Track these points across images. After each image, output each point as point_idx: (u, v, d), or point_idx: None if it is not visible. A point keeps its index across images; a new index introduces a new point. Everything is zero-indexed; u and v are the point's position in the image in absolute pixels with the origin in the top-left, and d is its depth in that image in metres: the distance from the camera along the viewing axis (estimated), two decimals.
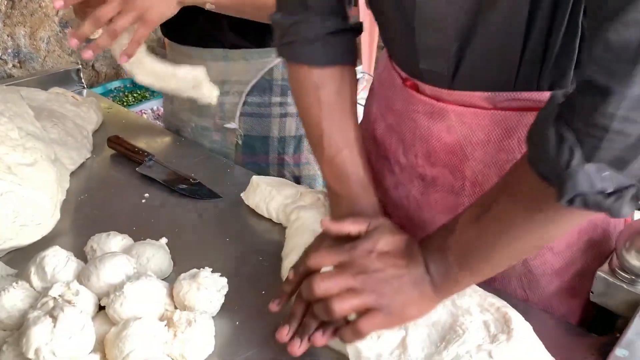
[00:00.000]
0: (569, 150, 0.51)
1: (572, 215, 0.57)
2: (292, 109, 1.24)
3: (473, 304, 0.69)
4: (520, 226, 0.60)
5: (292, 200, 0.94)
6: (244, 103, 1.22)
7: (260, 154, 1.27)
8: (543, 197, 0.55)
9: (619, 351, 0.64)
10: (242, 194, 1.00)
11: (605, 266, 0.75)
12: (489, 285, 0.78)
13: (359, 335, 0.65)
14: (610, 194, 0.51)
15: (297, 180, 1.28)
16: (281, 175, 1.24)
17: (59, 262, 0.75)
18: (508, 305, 0.70)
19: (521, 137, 0.71)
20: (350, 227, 0.71)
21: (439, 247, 0.66)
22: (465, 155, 0.75)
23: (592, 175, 0.50)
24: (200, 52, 1.20)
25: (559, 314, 0.81)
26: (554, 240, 0.70)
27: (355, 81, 0.84)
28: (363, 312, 0.65)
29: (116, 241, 0.82)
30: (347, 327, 0.66)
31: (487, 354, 0.62)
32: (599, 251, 0.81)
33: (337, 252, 0.68)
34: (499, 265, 0.65)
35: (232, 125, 1.24)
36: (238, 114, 1.23)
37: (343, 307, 0.64)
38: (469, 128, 0.73)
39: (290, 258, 0.80)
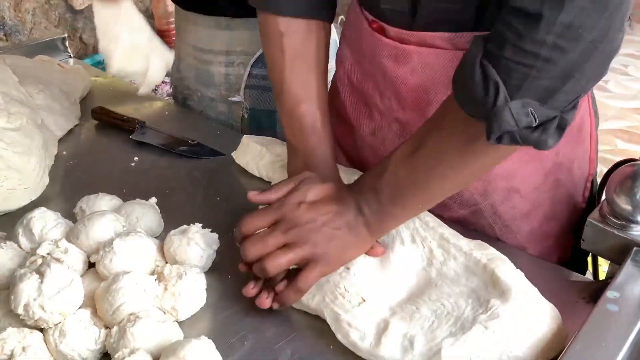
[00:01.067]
0: (494, 89, 0.51)
1: (500, 149, 0.59)
2: None
3: (459, 270, 0.68)
4: (452, 160, 0.61)
5: (281, 158, 0.93)
6: (249, 75, 1.18)
7: (267, 129, 1.21)
8: (473, 132, 0.57)
9: (610, 293, 0.64)
10: (232, 153, 0.99)
11: (596, 213, 0.75)
12: (465, 228, 0.80)
13: (300, 292, 0.66)
14: (535, 128, 0.52)
15: None
16: None
17: (46, 222, 0.74)
18: (495, 254, 0.69)
19: None
20: (275, 194, 0.69)
21: (371, 187, 0.66)
22: (429, 99, 0.76)
23: (517, 112, 0.51)
24: (205, 19, 1.18)
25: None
26: (484, 173, 0.71)
27: (326, 37, 0.81)
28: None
29: (105, 201, 0.82)
30: (287, 289, 0.66)
31: (483, 327, 0.60)
32: (565, 192, 0.83)
33: (267, 212, 0.67)
34: (432, 199, 0.67)
35: (237, 98, 1.21)
36: (243, 86, 1.19)
37: (276, 264, 0.65)
38: (432, 70, 0.74)
39: None
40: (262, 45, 0.83)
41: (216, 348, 0.60)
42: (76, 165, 1.02)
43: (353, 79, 0.88)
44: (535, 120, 0.52)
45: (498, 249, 0.71)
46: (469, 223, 0.84)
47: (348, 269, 0.69)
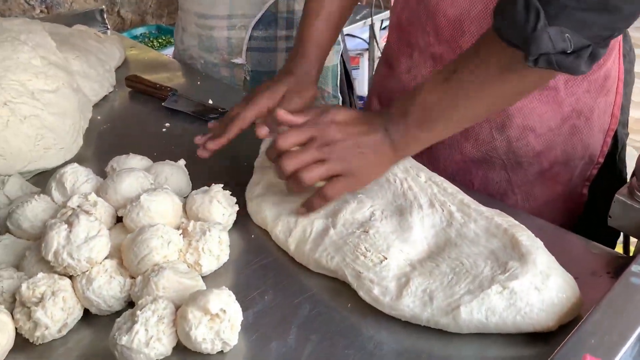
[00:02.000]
0: (535, 14, 0.55)
1: (533, 75, 0.63)
2: None
3: (479, 231, 0.68)
4: (484, 86, 0.65)
5: None
6: (250, 37, 1.22)
7: None
8: (507, 59, 0.61)
9: (635, 267, 0.63)
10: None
11: (624, 189, 0.73)
12: (475, 170, 0.86)
13: (325, 199, 0.72)
14: (569, 54, 0.56)
15: None
16: None
17: (78, 178, 0.76)
18: (515, 222, 0.69)
19: None
20: (303, 118, 0.75)
21: (400, 110, 0.70)
22: (463, 30, 0.82)
23: (554, 37, 0.55)
24: None
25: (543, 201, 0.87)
26: (514, 102, 0.74)
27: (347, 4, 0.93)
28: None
29: (135, 161, 0.84)
30: (315, 194, 0.73)
31: (501, 287, 0.60)
32: (580, 140, 0.85)
33: (301, 130, 0.73)
34: (457, 125, 0.71)
35: (239, 60, 1.25)
36: (245, 48, 1.23)
37: (311, 176, 0.71)
38: (468, 2, 0.80)
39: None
40: None
41: (238, 301, 0.62)
42: (109, 129, 1.05)
43: (402, 20, 0.94)
44: (571, 46, 0.55)
45: (520, 219, 0.70)
46: (480, 164, 0.87)
47: (366, 232, 0.69)
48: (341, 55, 1.33)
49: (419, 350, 0.61)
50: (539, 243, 0.66)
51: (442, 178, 0.77)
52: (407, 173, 0.77)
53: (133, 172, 0.75)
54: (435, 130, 0.70)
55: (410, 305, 0.62)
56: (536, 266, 0.62)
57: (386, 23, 2.52)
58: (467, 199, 0.73)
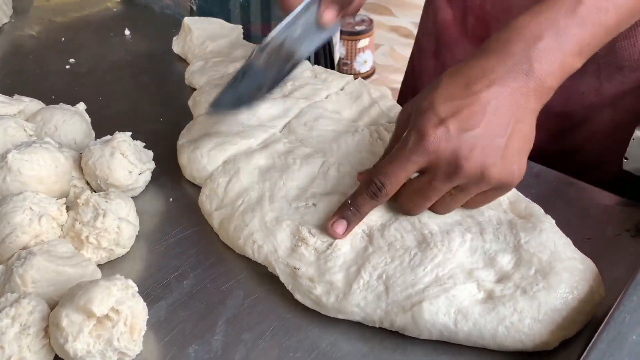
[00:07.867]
0: None
1: None
2: None
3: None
4: None
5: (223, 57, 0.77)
6: None
7: None
8: None
9: None
10: (174, 39, 0.85)
11: None
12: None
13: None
14: None
15: None
16: None
17: None
18: (521, 197, 0.53)
19: None
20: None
21: (548, 26, 0.48)
22: None
23: None
24: None
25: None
26: None
27: None
28: None
29: (16, 105, 0.64)
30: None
31: (477, 283, 0.46)
32: None
33: (401, 162, 0.48)
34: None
35: None
36: None
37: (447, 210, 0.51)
38: None
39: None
40: None
41: (147, 290, 0.47)
42: (0, 67, 0.85)
43: None
44: None
45: None
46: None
47: (314, 205, 0.53)
48: None
49: (388, 347, 0.46)
50: (546, 224, 0.49)
51: None
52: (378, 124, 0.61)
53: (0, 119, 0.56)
54: (594, 43, 0.50)
55: (361, 304, 0.46)
56: (535, 256, 0.46)
57: None
58: None
